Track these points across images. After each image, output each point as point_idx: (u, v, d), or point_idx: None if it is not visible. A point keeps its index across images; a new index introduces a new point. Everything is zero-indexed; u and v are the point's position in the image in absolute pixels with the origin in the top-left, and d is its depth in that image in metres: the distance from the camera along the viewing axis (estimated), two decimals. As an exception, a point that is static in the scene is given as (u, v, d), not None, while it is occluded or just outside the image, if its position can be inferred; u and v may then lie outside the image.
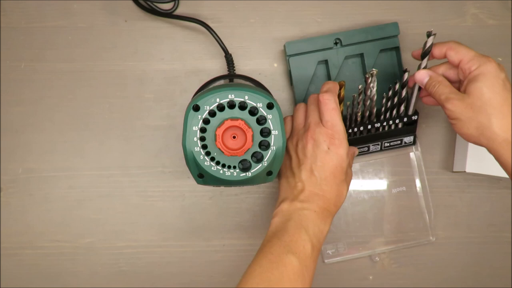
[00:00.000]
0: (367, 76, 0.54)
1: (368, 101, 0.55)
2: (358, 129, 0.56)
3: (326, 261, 0.58)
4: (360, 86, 0.54)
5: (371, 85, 0.54)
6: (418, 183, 0.59)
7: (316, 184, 0.48)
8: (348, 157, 0.50)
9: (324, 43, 0.57)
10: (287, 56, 0.57)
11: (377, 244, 0.59)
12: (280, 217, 0.49)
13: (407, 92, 0.56)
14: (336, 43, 0.57)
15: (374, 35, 0.57)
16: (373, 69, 0.54)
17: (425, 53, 0.51)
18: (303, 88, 0.58)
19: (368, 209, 0.59)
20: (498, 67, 0.47)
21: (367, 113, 0.56)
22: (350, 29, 0.58)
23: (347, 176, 0.51)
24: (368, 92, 0.54)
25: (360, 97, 0.54)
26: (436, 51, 0.51)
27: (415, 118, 0.57)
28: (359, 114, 0.56)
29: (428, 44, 0.51)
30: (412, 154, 0.59)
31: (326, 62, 0.58)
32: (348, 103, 0.55)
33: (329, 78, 0.58)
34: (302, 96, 0.58)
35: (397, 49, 0.58)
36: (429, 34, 0.51)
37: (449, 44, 0.50)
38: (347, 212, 0.59)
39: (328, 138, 0.48)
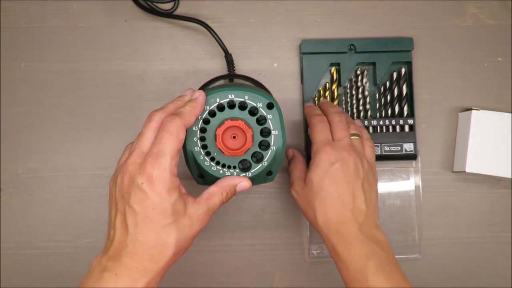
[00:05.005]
0: (358, 72, 0.57)
1: (361, 95, 0.58)
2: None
3: (309, 261, 0.58)
4: (352, 77, 0.57)
5: (364, 80, 0.58)
6: (413, 198, 0.59)
7: (128, 232, 0.40)
8: (173, 194, 0.40)
9: (338, 47, 0.58)
10: (301, 53, 0.58)
11: None
12: (85, 277, 0.41)
13: (400, 92, 0.58)
14: (350, 49, 0.58)
15: (388, 47, 0.58)
16: (365, 66, 0.57)
17: None
18: (312, 87, 0.58)
19: None
20: (328, 159, 0.46)
21: (361, 108, 0.58)
22: (350, 28, 0.59)
23: (180, 217, 0.41)
24: (359, 84, 0.57)
25: (354, 87, 0.58)
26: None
27: (411, 123, 0.57)
28: (354, 106, 0.58)
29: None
30: (412, 170, 0.59)
31: (338, 65, 0.58)
32: (342, 91, 0.58)
33: (339, 81, 0.58)
34: (311, 94, 0.58)
35: (409, 63, 0.58)
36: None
37: (308, 121, 0.51)
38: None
39: (141, 168, 0.40)
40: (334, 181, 0.45)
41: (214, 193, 0.44)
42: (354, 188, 0.46)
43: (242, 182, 0.45)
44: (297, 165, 0.52)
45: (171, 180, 0.40)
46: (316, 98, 0.58)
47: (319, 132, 0.48)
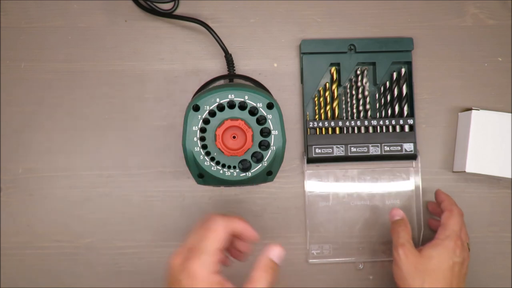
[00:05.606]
0: (358, 72, 0.57)
1: (360, 95, 0.58)
2: (356, 124, 0.57)
3: (310, 261, 0.58)
4: (352, 77, 0.57)
5: (364, 80, 0.58)
6: (413, 199, 0.59)
7: None
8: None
9: (338, 46, 0.58)
10: (301, 53, 0.58)
11: (363, 252, 0.58)
12: None
13: (400, 92, 0.58)
14: (350, 49, 0.58)
15: (388, 47, 0.58)
16: (365, 66, 0.57)
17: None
18: (312, 87, 0.58)
19: (359, 216, 0.58)
20: (455, 250, 0.51)
21: (361, 108, 0.58)
22: (350, 28, 0.59)
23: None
24: (359, 84, 0.57)
25: (354, 87, 0.58)
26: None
27: (411, 123, 0.57)
28: (354, 106, 0.58)
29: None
30: (412, 170, 0.59)
31: (338, 65, 0.58)
32: (342, 91, 0.58)
33: (339, 81, 0.58)
34: (310, 94, 0.58)
35: (409, 63, 0.58)
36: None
37: (447, 207, 0.54)
38: (337, 216, 0.58)
39: (183, 264, 0.43)
40: (450, 271, 0.51)
41: (257, 279, 0.44)
42: (457, 286, 0.52)
43: (274, 251, 0.45)
44: (407, 229, 0.53)
45: (209, 278, 0.41)
46: (316, 98, 0.58)
47: (457, 224, 0.53)
